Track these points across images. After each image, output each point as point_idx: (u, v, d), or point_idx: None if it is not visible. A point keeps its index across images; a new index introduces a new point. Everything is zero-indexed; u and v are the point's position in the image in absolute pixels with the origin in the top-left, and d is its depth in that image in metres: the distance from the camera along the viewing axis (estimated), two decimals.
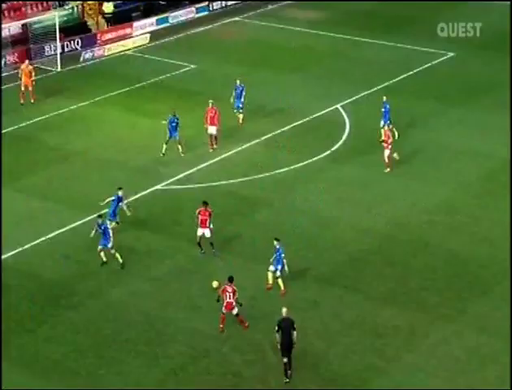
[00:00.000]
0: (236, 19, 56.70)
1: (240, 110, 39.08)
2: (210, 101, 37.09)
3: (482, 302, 26.61)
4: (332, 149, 37.12)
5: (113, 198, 29.75)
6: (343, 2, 58.19)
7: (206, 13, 57.41)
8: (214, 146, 36.95)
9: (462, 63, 47.51)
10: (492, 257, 28.89)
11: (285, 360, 23.04)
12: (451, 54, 48.55)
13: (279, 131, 38.87)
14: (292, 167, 35.45)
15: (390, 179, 34.42)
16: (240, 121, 39.23)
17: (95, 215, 29.38)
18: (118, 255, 28.02)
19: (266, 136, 38.33)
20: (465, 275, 28.03)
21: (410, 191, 33.51)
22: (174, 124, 36.20)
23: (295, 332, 23.01)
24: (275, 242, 26.48)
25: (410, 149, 36.92)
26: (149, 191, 33.39)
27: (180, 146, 36.30)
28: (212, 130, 36.84)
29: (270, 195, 33.34)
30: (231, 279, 24.74)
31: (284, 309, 23.36)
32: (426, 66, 46.77)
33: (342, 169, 35.32)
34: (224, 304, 24.68)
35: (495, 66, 46.75)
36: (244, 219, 31.42)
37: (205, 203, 28.50)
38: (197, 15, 56.79)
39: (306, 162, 35.87)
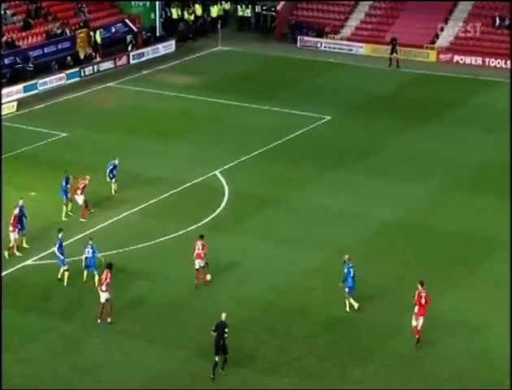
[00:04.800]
0: (110, 84, 57.74)
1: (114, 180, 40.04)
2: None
3: (361, 368, 27.90)
4: (212, 217, 38.27)
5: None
6: (219, 67, 60.32)
7: (77, 79, 58.31)
8: (82, 218, 37.56)
9: (339, 127, 49.76)
10: (372, 320, 30.32)
11: (216, 359, 26.99)
12: (327, 118, 50.84)
13: (155, 199, 39.75)
14: (170, 236, 36.32)
15: (268, 245, 35.74)
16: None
17: None
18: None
19: (142, 206, 39.16)
20: (344, 340, 29.40)
21: (289, 256, 34.89)
22: None
23: (226, 335, 27.18)
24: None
25: (288, 214, 38.56)
26: (17, 267, 33.40)
27: None
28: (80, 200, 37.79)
29: (146, 266, 34.03)
30: (202, 236, 32.50)
31: (224, 315, 27.33)
32: (302, 130, 48.74)
33: (221, 236, 36.42)
34: (195, 254, 31.79)
35: (371, 129, 49.21)
36: (119, 293, 31.86)
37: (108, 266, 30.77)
38: (68, 82, 57.60)
39: (185, 230, 36.82)
